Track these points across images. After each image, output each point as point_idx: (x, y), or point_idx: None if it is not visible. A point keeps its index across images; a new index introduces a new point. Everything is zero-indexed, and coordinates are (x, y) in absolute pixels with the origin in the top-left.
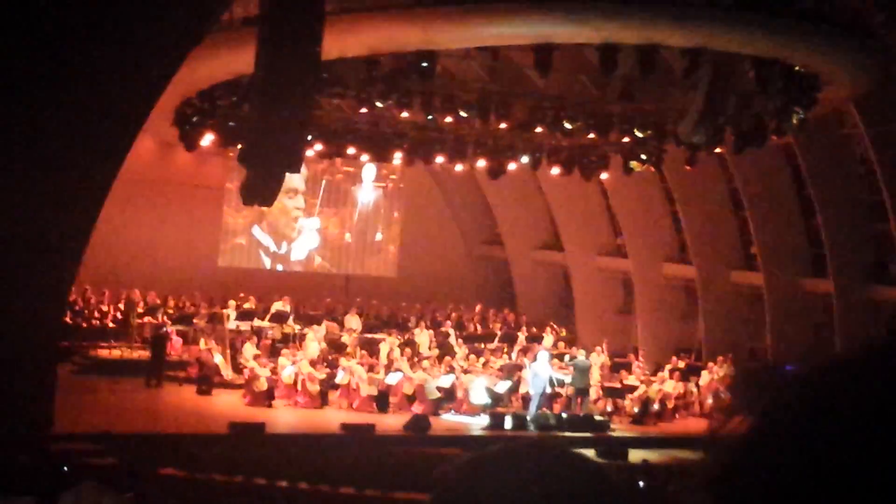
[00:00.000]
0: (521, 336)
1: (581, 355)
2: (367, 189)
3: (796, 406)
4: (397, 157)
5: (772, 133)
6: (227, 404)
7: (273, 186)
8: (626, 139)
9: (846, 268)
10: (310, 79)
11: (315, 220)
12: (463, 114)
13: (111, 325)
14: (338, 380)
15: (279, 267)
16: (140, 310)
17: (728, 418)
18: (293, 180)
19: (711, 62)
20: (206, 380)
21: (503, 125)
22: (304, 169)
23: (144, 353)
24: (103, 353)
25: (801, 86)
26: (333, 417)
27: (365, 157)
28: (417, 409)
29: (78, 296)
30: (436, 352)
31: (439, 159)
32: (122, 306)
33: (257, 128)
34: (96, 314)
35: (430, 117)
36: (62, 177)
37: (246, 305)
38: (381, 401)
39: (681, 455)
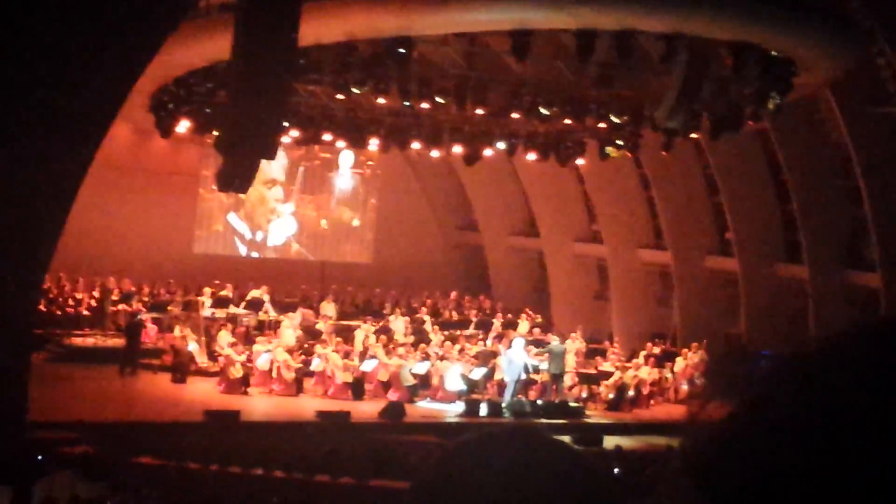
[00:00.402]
0: (497, 322)
1: (556, 341)
2: (345, 175)
3: (779, 390)
4: (373, 144)
5: (748, 118)
6: (202, 392)
7: (248, 173)
8: (602, 125)
9: (821, 253)
10: (286, 65)
11: (291, 205)
12: (439, 100)
13: (86, 312)
14: (313, 367)
15: (254, 254)
16: (115, 297)
17: (706, 403)
18: (272, 170)
19: (688, 47)
20: (181, 367)
21: (479, 111)
22: (283, 159)
23: (119, 341)
24: (78, 341)
25: (777, 71)
26: (309, 405)
27: (341, 144)
28: (393, 396)
29: (52, 283)
30: (411, 339)
31: (415, 145)
32: (96, 294)
33: (233, 114)
34: (71, 302)
35: (406, 103)
36: (37, 163)
37: (222, 293)
38: (357, 388)
39: (656, 441)
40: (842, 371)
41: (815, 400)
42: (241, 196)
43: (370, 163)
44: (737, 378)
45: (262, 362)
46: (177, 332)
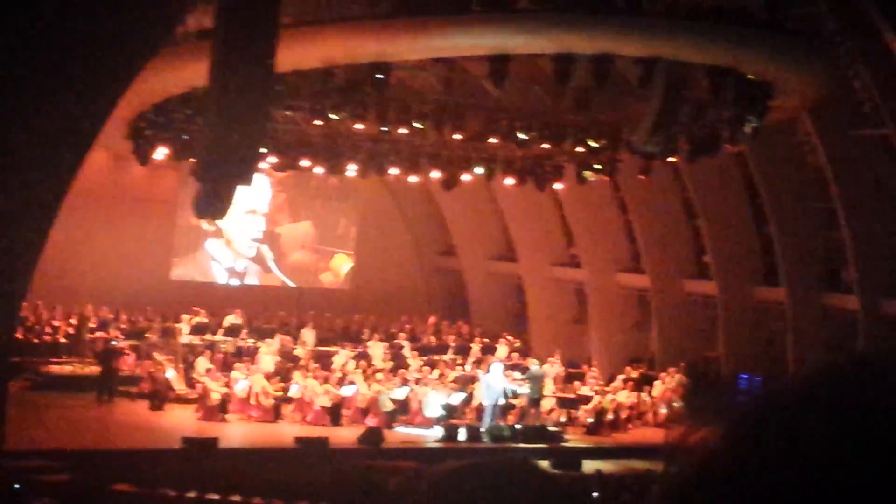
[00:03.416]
0: (475, 347)
1: (534, 365)
2: (325, 201)
3: (764, 428)
4: (351, 169)
5: (725, 142)
6: (180, 419)
7: (226, 200)
8: (580, 149)
9: (799, 276)
10: (264, 91)
11: (274, 233)
12: (417, 125)
13: (63, 340)
14: (291, 393)
15: (234, 281)
16: (92, 325)
17: (691, 430)
18: (254, 199)
19: (665, 71)
20: (159, 395)
21: (457, 136)
22: (265, 187)
23: (97, 369)
24: (55, 368)
25: (753, 94)
26: (287, 431)
27: (319, 170)
28: (371, 421)
29: (29, 311)
30: (390, 364)
31: (393, 171)
32: (74, 321)
33: (210, 141)
34: (48, 330)
35: (384, 129)
36: (13, 190)
37: (195, 319)
38: (335, 414)
39: (635, 465)
40: (826, 411)
41: (799, 439)
42: (220, 223)
43: (351, 188)
44: (718, 406)
45: (240, 389)
46: (155, 359)
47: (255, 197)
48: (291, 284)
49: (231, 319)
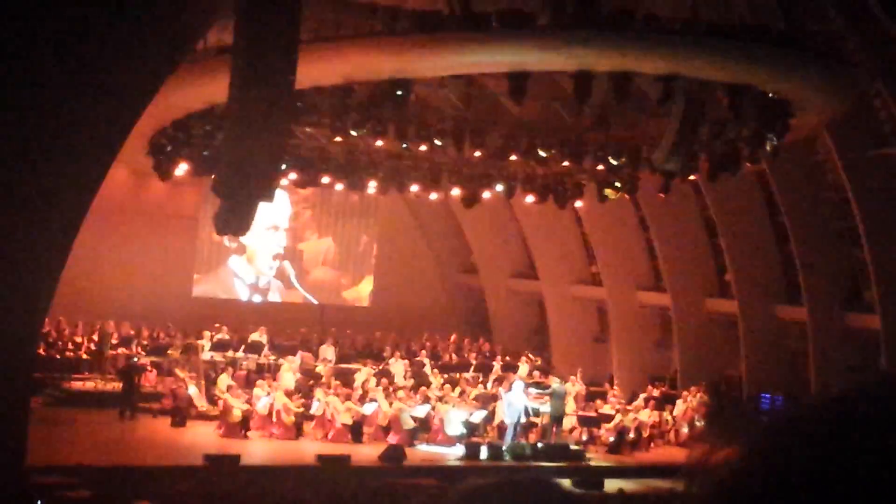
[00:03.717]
0: (497, 365)
1: (556, 384)
2: (346, 218)
3: (788, 446)
4: (372, 186)
5: (745, 160)
6: (202, 436)
7: (247, 216)
8: (600, 167)
9: (820, 295)
10: (284, 108)
11: (296, 249)
12: (437, 142)
13: (85, 356)
14: (313, 410)
15: (256, 297)
16: (114, 341)
17: (713, 449)
18: (275, 216)
19: (685, 89)
20: (181, 411)
21: (477, 153)
22: (288, 205)
23: (118, 385)
24: (77, 384)
25: (773, 112)
26: (309, 448)
27: (339, 186)
28: (392, 439)
29: (51, 327)
30: (411, 381)
31: (414, 188)
32: (95, 338)
33: (230, 157)
34: (70, 346)
35: (404, 146)
36: (35, 206)
37: (217, 336)
38: (356, 431)
39: (657, 484)
40: (849, 430)
41: (823, 457)
42: (243, 240)
43: (371, 206)
44: (739, 424)
45: (261, 406)
46: (177, 375)
47: (277, 213)
48: (313, 301)
49: (256, 336)
